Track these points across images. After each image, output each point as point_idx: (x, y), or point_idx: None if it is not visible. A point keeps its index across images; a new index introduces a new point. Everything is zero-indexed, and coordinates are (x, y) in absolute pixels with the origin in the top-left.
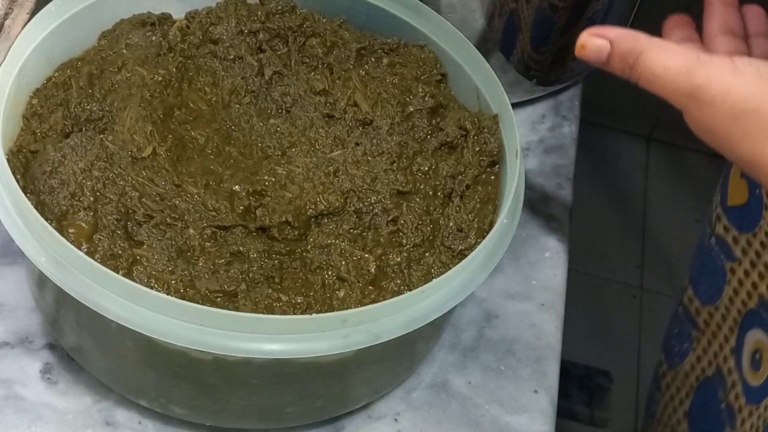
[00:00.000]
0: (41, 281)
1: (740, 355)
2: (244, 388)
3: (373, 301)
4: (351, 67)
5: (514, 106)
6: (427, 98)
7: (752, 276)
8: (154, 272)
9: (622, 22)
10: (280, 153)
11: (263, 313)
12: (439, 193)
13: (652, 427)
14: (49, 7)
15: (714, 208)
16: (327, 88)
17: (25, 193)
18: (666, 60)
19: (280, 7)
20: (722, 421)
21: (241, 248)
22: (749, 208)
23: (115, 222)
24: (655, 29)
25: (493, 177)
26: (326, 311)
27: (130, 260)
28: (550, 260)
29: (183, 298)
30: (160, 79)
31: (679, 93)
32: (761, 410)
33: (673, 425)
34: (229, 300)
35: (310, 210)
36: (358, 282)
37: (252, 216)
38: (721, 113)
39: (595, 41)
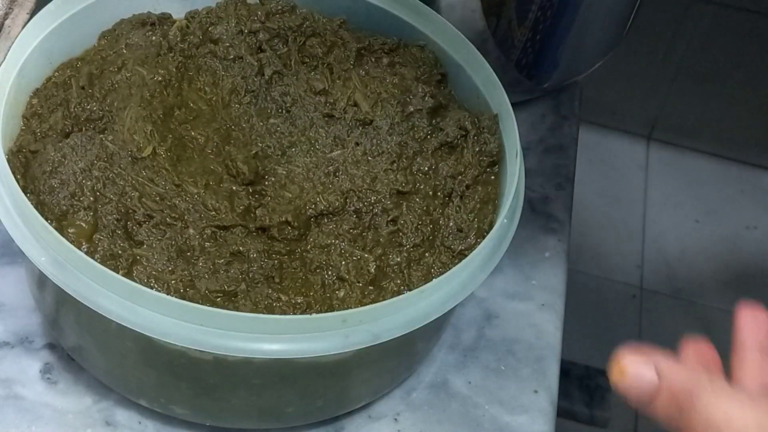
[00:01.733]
0: (41, 281)
1: None
2: (244, 388)
3: (373, 301)
4: (351, 67)
5: (514, 106)
6: (427, 98)
7: None
8: (154, 272)
9: (622, 23)
10: (280, 153)
11: (263, 313)
12: (439, 193)
13: None
14: (49, 7)
15: None
16: (327, 88)
17: (25, 193)
18: (731, 410)
19: (280, 7)
20: None
21: (241, 248)
22: None
23: (115, 222)
24: (655, 29)
25: (493, 177)
26: (326, 311)
27: (130, 260)
28: (550, 260)
29: (183, 298)
30: (160, 78)
31: None
32: None
33: None
34: (229, 300)
35: (310, 210)
36: (358, 282)
37: (252, 216)
38: None
39: (641, 371)
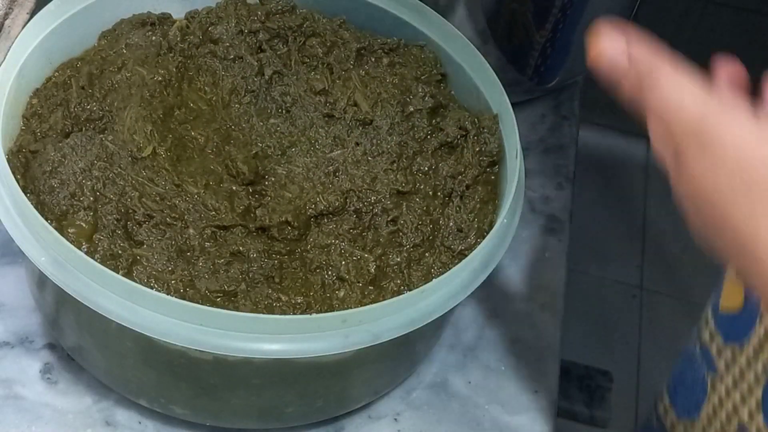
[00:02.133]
0: (41, 281)
1: None
2: (244, 388)
3: (373, 301)
4: (351, 67)
5: (514, 106)
6: (427, 98)
7: (733, 396)
8: (154, 272)
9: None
10: (280, 153)
11: (263, 313)
12: (439, 193)
13: None
14: (49, 7)
15: (706, 310)
16: (327, 87)
17: (25, 193)
18: (685, 90)
19: (280, 7)
20: None
21: (241, 248)
22: (741, 316)
23: (115, 222)
24: (655, 29)
25: (493, 177)
26: (326, 311)
27: (130, 260)
28: (550, 260)
29: (183, 298)
30: (160, 78)
31: (686, 132)
32: None
33: None
34: (229, 300)
35: (310, 210)
36: (358, 282)
37: (252, 216)
38: (728, 171)
39: (615, 58)
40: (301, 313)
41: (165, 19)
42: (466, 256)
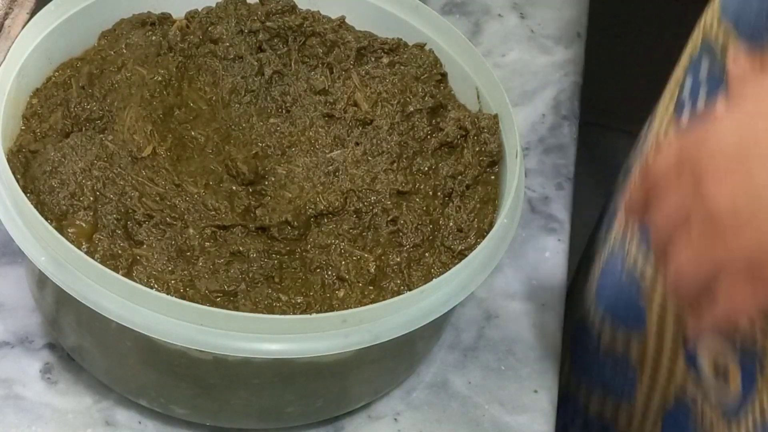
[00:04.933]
0: (41, 281)
1: None
2: (244, 388)
3: (373, 301)
4: (351, 66)
5: (513, 99)
6: (427, 98)
7: None
8: (154, 272)
9: None
10: (280, 153)
11: (263, 313)
12: (439, 193)
13: None
14: (49, 6)
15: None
16: (327, 87)
17: (25, 193)
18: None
19: (280, 7)
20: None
21: (240, 248)
22: None
23: (115, 222)
24: (655, 29)
25: (493, 177)
26: (326, 311)
27: (130, 260)
28: (550, 260)
29: (183, 298)
30: (159, 78)
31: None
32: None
33: None
34: (229, 300)
35: (310, 210)
36: (358, 282)
37: (252, 216)
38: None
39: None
40: (301, 313)
41: (165, 19)
42: (466, 256)
